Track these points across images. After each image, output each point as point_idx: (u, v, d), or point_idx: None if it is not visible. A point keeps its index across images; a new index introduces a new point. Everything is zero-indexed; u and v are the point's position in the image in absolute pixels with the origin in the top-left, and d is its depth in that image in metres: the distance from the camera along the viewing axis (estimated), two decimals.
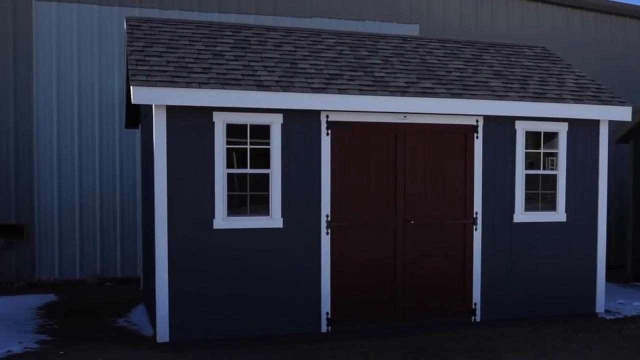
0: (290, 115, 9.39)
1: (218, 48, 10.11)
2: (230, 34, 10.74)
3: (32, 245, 13.74)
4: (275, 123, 9.35)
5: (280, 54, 10.25)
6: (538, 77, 11.03)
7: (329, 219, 9.59)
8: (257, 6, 14.53)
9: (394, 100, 9.56)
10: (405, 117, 9.83)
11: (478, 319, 10.23)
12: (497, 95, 10.09)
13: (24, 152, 13.68)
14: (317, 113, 9.50)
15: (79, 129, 13.89)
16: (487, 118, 10.16)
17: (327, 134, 9.55)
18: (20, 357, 8.69)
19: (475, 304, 10.22)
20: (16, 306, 11.52)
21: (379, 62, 10.57)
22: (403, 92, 9.67)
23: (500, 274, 10.32)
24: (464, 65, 11.00)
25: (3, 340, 9.37)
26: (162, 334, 9.02)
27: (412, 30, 15.13)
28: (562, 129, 10.53)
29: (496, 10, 15.85)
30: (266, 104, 9.12)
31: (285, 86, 9.27)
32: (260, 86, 9.17)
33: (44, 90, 13.75)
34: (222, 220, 9.19)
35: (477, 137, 10.15)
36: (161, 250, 8.97)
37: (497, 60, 11.44)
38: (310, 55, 10.39)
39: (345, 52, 10.73)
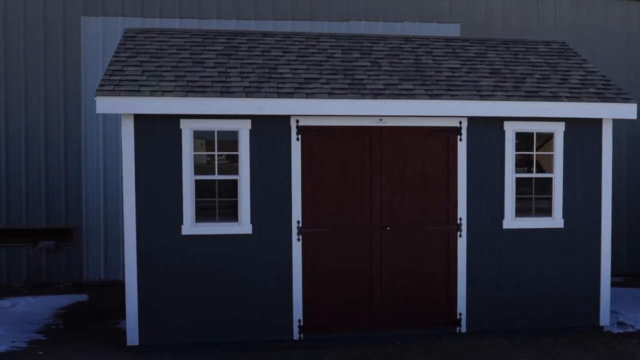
0: (259, 121, 9.39)
1: (202, 56, 10.27)
2: (224, 41, 10.88)
3: (80, 247, 14.46)
4: (244, 129, 9.38)
5: (264, 60, 10.27)
6: (540, 74, 10.41)
7: (300, 225, 9.50)
8: (294, 13, 14.57)
9: (365, 103, 9.34)
10: (381, 119, 9.58)
11: (464, 329, 9.79)
12: (481, 96, 9.63)
13: (73, 161, 14.40)
14: (287, 118, 9.45)
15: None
16: (472, 119, 9.71)
17: (298, 139, 9.47)
18: (1, 356, 9.22)
19: (460, 314, 9.79)
20: (43, 306, 12.17)
21: (367, 64, 10.36)
22: (375, 95, 9.43)
23: (488, 283, 9.82)
24: (461, 64, 10.56)
25: None
26: (132, 337, 9.27)
27: (452, 30, 14.63)
28: (558, 129, 9.88)
29: (542, 5, 15.03)
30: (230, 110, 9.18)
31: (251, 92, 9.29)
32: (225, 92, 9.23)
33: (92, 101, 14.42)
34: (190, 226, 9.34)
35: (460, 140, 9.72)
36: (130, 256, 9.23)
37: (501, 58, 10.89)
38: (296, 60, 10.33)
39: (335, 55, 10.59)
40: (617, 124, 13.10)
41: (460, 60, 10.69)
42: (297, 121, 9.45)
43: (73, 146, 14.37)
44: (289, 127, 9.46)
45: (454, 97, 9.55)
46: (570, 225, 9.93)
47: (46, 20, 14.17)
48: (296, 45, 10.90)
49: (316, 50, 10.73)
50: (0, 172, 14.01)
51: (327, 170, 9.57)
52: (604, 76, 10.51)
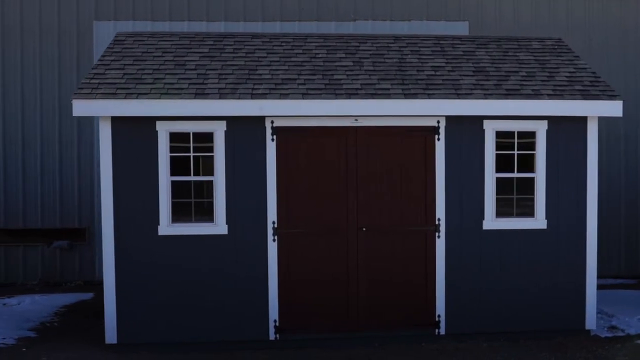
0: (234, 122, 9.44)
1: (186, 58, 10.37)
2: (211, 43, 10.95)
3: (92, 246, 14.76)
4: (219, 130, 9.44)
5: (246, 61, 10.31)
6: (527, 71, 10.18)
7: (276, 225, 9.51)
8: (300, 13, 14.57)
9: (338, 103, 9.30)
10: (356, 120, 9.51)
11: (442, 332, 9.64)
12: (459, 94, 9.47)
13: (86, 163, 14.68)
14: (261, 119, 9.47)
15: None
16: (450, 118, 9.56)
17: (273, 139, 9.48)
18: None
19: (439, 316, 9.65)
20: (46, 304, 12.45)
21: (350, 64, 10.29)
22: (350, 95, 9.38)
23: (468, 284, 9.65)
24: (446, 63, 10.40)
25: None
26: (110, 335, 9.43)
27: (461, 28, 14.40)
28: (541, 128, 9.64)
29: (554, 2, 14.65)
30: (204, 112, 9.26)
31: (225, 93, 9.35)
32: (199, 94, 9.31)
33: None
34: (166, 226, 9.44)
35: (438, 139, 9.58)
36: (108, 255, 9.38)
37: (490, 55, 10.69)
38: (278, 61, 10.34)
39: (319, 56, 10.56)
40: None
41: (446, 59, 10.53)
42: (272, 122, 9.46)
43: (86, 149, 14.67)
44: (264, 128, 9.48)
45: (430, 96, 9.42)
46: (554, 226, 9.67)
47: (60, 26, 14.50)
48: (282, 46, 10.91)
49: (301, 51, 10.72)
50: (17, 175, 14.40)
51: (302, 170, 9.55)
52: (593, 73, 10.21)
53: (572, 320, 9.74)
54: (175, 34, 11.40)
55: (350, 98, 9.33)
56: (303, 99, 9.30)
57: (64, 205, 14.64)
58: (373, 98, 9.35)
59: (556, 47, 11.07)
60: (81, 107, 9.19)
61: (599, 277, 10.12)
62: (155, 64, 10.17)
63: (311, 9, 14.61)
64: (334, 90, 9.48)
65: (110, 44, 10.96)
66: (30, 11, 14.43)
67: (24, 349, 9.61)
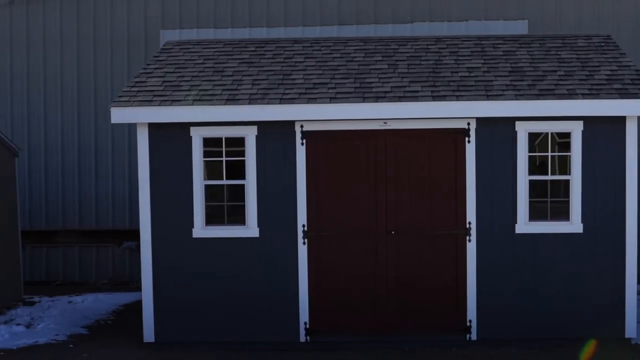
0: (265, 127, 9.61)
1: (225, 65, 10.63)
2: (253, 49, 11.18)
3: None
4: (250, 135, 9.64)
5: (282, 67, 10.47)
6: (565, 70, 9.87)
7: (306, 228, 9.62)
8: (358, 17, 14.61)
9: (366, 106, 9.32)
10: (385, 123, 9.50)
11: (474, 337, 9.49)
12: (489, 95, 9.30)
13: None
14: (291, 123, 9.61)
15: None
16: (481, 120, 9.40)
17: (302, 143, 9.60)
18: (36, 347, 10.02)
19: (470, 321, 9.50)
20: (108, 302, 13.02)
21: (384, 67, 10.29)
22: (377, 98, 9.38)
23: (500, 289, 9.45)
24: (483, 63, 10.23)
25: (46, 332, 10.85)
26: (148, 334, 9.80)
27: (520, 27, 14.04)
28: (576, 128, 9.34)
29: None
30: (235, 117, 9.48)
31: (255, 99, 9.54)
32: (230, 100, 9.54)
33: None
34: (200, 229, 9.72)
35: (468, 141, 9.44)
36: (145, 257, 9.75)
37: (530, 55, 10.43)
38: (314, 66, 10.45)
39: (356, 59, 10.60)
40: None
41: (484, 60, 10.36)
42: (302, 126, 9.58)
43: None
44: (294, 132, 9.61)
45: (459, 98, 9.30)
46: (590, 230, 9.35)
47: (130, 36, 15.11)
48: (321, 50, 11.02)
49: (339, 55, 10.79)
50: (90, 179, 15.10)
51: (332, 174, 9.62)
52: (637, 71, 9.79)
53: (610, 328, 9.36)
54: (221, 41, 11.70)
55: (377, 101, 9.33)
56: (330, 103, 9.38)
57: (133, 207, 15.20)
58: (400, 101, 9.31)
59: (602, 44, 10.68)
60: (118, 114, 9.59)
61: (639, 282, 9.72)
62: (195, 71, 10.48)
63: (369, 13, 14.61)
64: (363, 94, 9.50)
65: (157, 52, 11.37)
66: (102, 21, 15.07)
67: (71, 345, 10.11)
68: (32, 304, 12.77)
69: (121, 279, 15.10)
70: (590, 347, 9.07)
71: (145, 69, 10.69)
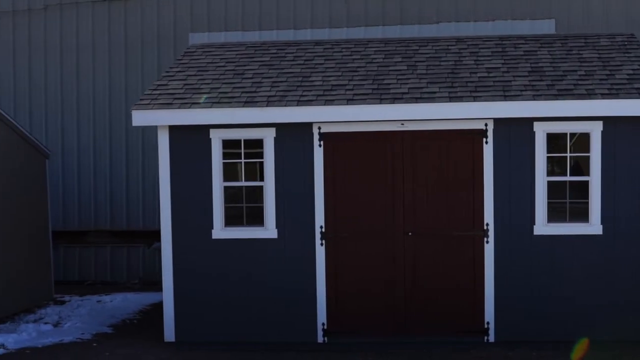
0: (283, 129, 9.69)
1: (246, 67, 10.73)
2: (274, 52, 11.26)
3: None
4: (268, 137, 9.73)
5: (302, 69, 10.54)
6: (586, 70, 9.77)
7: (323, 230, 9.67)
8: (384, 19, 14.61)
9: (383, 108, 9.35)
10: (402, 124, 9.51)
11: (492, 339, 9.44)
12: (506, 96, 9.25)
13: None
14: (309, 125, 9.67)
15: None
16: (499, 121, 9.35)
17: (320, 145, 9.66)
18: (61, 346, 10.23)
19: (487, 323, 9.45)
20: (136, 302, 13.21)
21: (404, 68, 10.29)
22: (394, 100, 9.39)
23: (518, 291, 9.39)
24: (502, 64, 10.17)
25: (72, 331, 11.05)
26: (169, 334, 9.96)
27: (547, 26, 13.87)
28: (595, 129, 9.23)
29: None
30: (252, 119, 9.58)
31: (272, 101, 9.62)
32: (248, 102, 9.64)
33: None
34: (220, 230, 9.84)
35: (486, 142, 9.39)
36: (166, 258, 9.90)
37: (551, 55, 10.33)
38: (334, 67, 10.50)
39: (376, 61, 10.62)
40: None
41: (504, 60, 10.30)
42: (319, 128, 9.63)
43: None
44: (312, 134, 9.67)
45: (475, 98, 9.27)
46: (610, 231, 9.23)
47: (159, 39, 15.31)
48: (342, 52, 11.06)
49: (359, 57, 10.82)
50: (121, 181, 15.35)
51: (349, 175, 9.66)
52: None
53: (632, 332, 9.23)
54: (244, 44, 11.80)
55: (394, 103, 9.34)
56: (347, 104, 9.42)
57: None
58: (417, 102, 9.31)
59: (626, 43, 10.54)
60: (140, 117, 9.76)
61: None
62: (216, 74, 10.60)
63: (395, 14, 14.60)
64: (380, 95, 9.52)
65: (180, 55, 11.52)
66: (133, 26, 15.31)
67: (95, 344, 10.29)
68: (62, 303, 13.04)
69: (151, 278, 15.30)
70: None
71: (167, 72, 10.85)
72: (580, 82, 9.45)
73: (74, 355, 9.73)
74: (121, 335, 10.83)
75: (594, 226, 9.27)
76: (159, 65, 15.27)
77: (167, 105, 9.73)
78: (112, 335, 10.87)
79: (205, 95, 9.84)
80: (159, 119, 9.75)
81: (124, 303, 13.10)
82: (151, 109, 9.72)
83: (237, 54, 11.28)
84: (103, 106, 15.34)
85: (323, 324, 9.69)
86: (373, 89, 9.72)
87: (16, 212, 11.85)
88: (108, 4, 15.51)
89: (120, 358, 9.51)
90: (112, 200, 15.44)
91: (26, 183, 12.32)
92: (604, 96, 9.08)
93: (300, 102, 9.53)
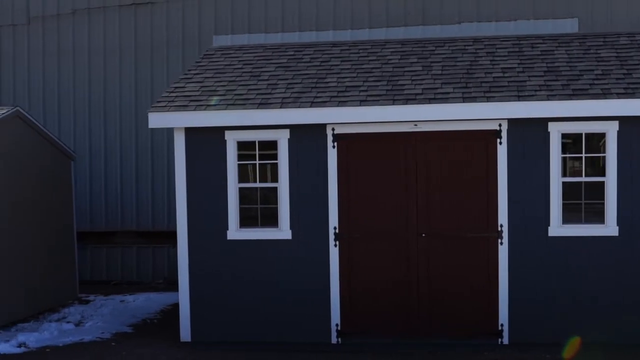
0: (297, 130, 9.74)
1: (262, 69, 10.79)
2: (292, 53, 11.32)
3: None
4: (282, 138, 9.78)
5: (318, 70, 10.57)
6: (602, 69, 9.65)
7: (337, 231, 9.69)
8: (406, 19, 14.58)
9: (395, 109, 9.34)
10: (416, 125, 9.49)
11: (506, 341, 9.37)
12: (519, 96, 9.17)
13: None
14: (323, 127, 9.70)
15: None
16: (513, 121, 9.29)
17: (334, 146, 9.68)
18: (81, 345, 10.39)
19: (501, 325, 9.38)
20: (158, 302, 13.35)
21: (419, 69, 10.27)
22: (407, 100, 9.38)
23: (532, 293, 9.31)
24: (518, 64, 10.09)
25: (93, 330, 11.23)
26: (185, 334, 10.07)
27: (569, 26, 13.71)
28: (611, 129, 9.11)
29: None
30: (266, 121, 9.64)
31: (286, 103, 9.67)
32: (262, 104, 9.70)
33: None
34: (235, 231, 9.92)
35: (500, 143, 9.33)
36: (182, 259, 10.00)
37: (568, 54, 10.22)
38: (349, 69, 10.52)
39: (391, 62, 10.61)
40: None
41: (520, 60, 10.22)
42: (333, 129, 9.66)
43: None
44: (325, 135, 9.70)
45: (489, 99, 9.21)
46: (626, 233, 9.11)
47: (184, 41, 15.47)
48: (359, 53, 11.07)
49: (375, 58, 10.82)
50: (146, 182, 15.54)
51: (363, 176, 9.66)
52: None
53: None
54: (262, 46, 11.87)
55: (406, 104, 9.33)
56: (360, 105, 9.43)
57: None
58: (430, 103, 9.29)
59: None
60: (155, 119, 9.88)
61: None
62: (233, 76, 10.69)
63: (417, 14, 14.56)
64: (393, 96, 9.52)
65: (199, 58, 11.62)
66: (159, 30, 15.49)
67: (113, 344, 10.44)
68: (86, 302, 13.25)
69: (175, 278, 15.35)
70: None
71: (186, 74, 10.96)
72: (596, 82, 9.34)
73: (92, 354, 9.88)
74: (140, 334, 10.96)
75: (609, 227, 9.16)
76: (184, 67, 15.38)
77: (183, 108, 9.84)
78: (131, 334, 11.01)
79: (216, 97, 9.91)
80: (175, 121, 9.86)
81: (147, 303, 13.26)
82: (167, 111, 9.83)
83: (254, 56, 11.35)
84: (129, 108, 15.55)
85: (337, 325, 9.71)
86: (387, 90, 9.72)
87: (41, 213, 12.08)
88: (134, 8, 15.72)
89: (135, 357, 9.64)
90: (138, 201, 15.63)
91: (52, 185, 12.54)
92: (619, 96, 8.97)
93: (313, 104, 9.56)
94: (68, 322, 11.59)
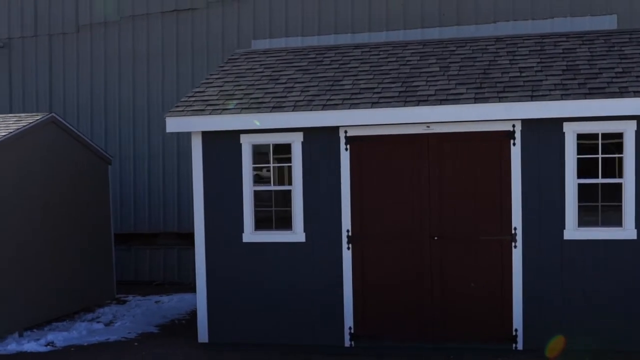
0: (310, 133, 9.74)
1: (282, 73, 10.84)
2: (313, 56, 11.32)
3: None
4: (296, 141, 9.80)
5: (335, 73, 10.55)
6: (624, 67, 9.33)
7: (350, 234, 9.65)
8: (441, 20, 14.40)
9: (406, 110, 9.25)
10: (428, 127, 9.37)
11: (520, 347, 9.14)
12: (533, 96, 8.95)
13: None
14: (335, 129, 9.68)
15: None
16: (527, 122, 9.07)
17: (347, 149, 9.64)
18: (105, 344, 10.64)
19: (516, 330, 9.17)
20: (189, 302, 13.44)
21: (436, 69, 10.13)
22: (418, 102, 9.27)
23: (547, 298, 9.06)
24: (537, 63, 9.85)
25: (120, 330, 11.48)
26: (202, 335, 10.19)
27: (608, 22, 13.27)
28: (629, 128, 8.80)
29: None
30: (279, 124, 9.67)
31: (299, 106, 9.69)
32: (275, 107, 9.74)
33: None
34: (250, 234, 9.99)
35: (513, 144, 9.12)
36: (200, 261, 10.13)
37: (591, 52, 9.92)
38: (367, 71, 10.46)
39: (410, 63, 10.50)
40: None
41: (540, 59, 9.97)
42: (346, 132, 9.63)
43: None
44: (338, 138, 9.67)
45: (501, 99, 9.02)
46: None
47: (224, 46, 15.62)
48: (380, 55, 11.00)
49: (394, 59, 10.73)
50: (187, 185, 15.70)
51: (375, 179, 9.60)
52: None
53: None
54: (285, 49, 11.92)
55: (417, 105, 9.22)
56: (371, 108, 9.36)
57: None
58: (441, 104, 9.16)
59: None
60: (173, 124, 10.03)
61: None
62: (252, 80, 10.77)
63: (451, 14, 14.36)
64: (405, 98, 9.42)
65: (223, 62, 11.74)
66: (199, 35, 15.71)
67: (136, 344, 10.65)
68: (123, 302, 13.55)
69: None
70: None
71: (207, 79, 11.10)
72: (614, 80, 9.04)
73: (113, 353, 10.10)
74: (166, 335, 11.14)
75: (627, 230, 8.85)
76: None
77: (199, 112, 9.96)
78: (157, 334, 11.20)
79: (234, 101, 10.00)
80: (191, 125, 9.99)
81: (179, 303, 13.47)
82: (184, 115, 9.97)
83: (276, 60, 11.40)
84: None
85: (350, 328, 9.67)
86: (400, 91, 9.63)
87: (77, 215, 12.40)
88: (176, 14, 15.98)
89: (152, 357, 9.81)
90: (179, 204, 15.89)
91: (88, 188, 12.86)
92: (636, 94, 8.65)
93: (325, 107, 9.55)
94: (99, 322, 11.88)
